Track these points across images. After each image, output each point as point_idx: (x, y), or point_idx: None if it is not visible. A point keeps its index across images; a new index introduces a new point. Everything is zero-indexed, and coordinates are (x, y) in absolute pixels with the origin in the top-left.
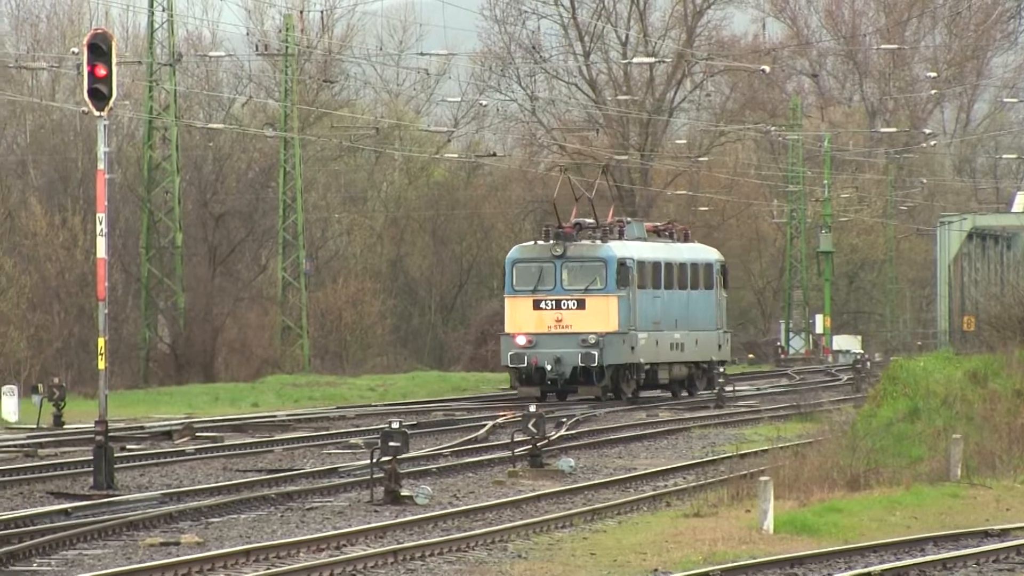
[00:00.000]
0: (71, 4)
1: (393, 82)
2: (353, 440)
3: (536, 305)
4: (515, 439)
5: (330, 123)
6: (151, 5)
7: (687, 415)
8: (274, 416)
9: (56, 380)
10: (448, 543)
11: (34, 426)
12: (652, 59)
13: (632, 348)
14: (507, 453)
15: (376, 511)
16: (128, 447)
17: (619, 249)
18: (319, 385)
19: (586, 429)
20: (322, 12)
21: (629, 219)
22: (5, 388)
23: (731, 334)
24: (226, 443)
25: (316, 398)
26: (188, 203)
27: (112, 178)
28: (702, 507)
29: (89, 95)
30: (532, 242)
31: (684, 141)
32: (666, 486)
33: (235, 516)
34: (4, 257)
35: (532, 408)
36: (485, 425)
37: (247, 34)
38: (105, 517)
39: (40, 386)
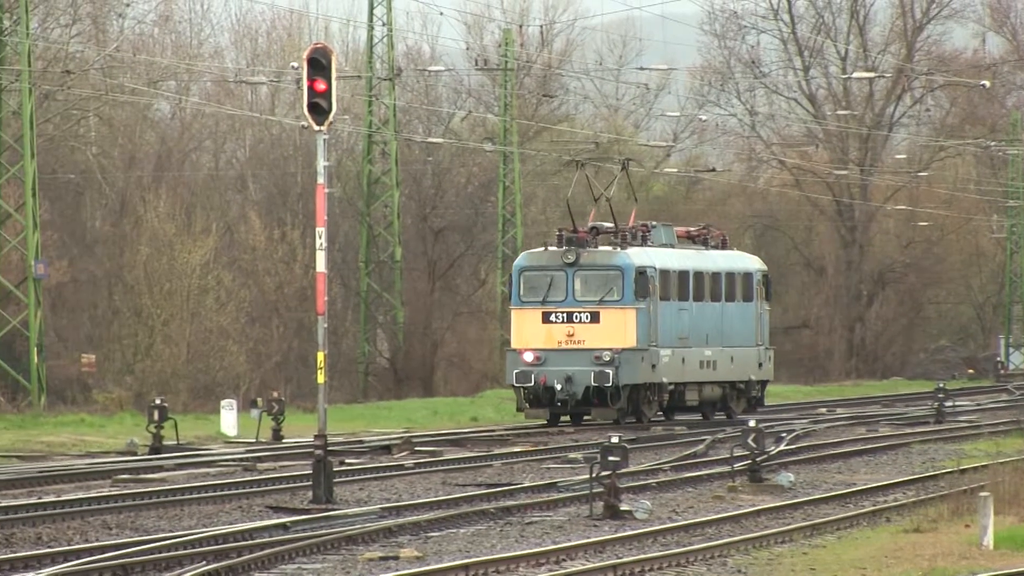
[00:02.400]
0: (291, 19)
1: (612, 96)
2: (572, 455)
3: (545, 318)
4: (734, 454)
5: (549, 137)
6: (371, 20)
7: (907, 430)
8: (492, 431)
9: (275, 394)
10: (667, 558)
11: (253, 440)
12: (872, 74)
13: (653, 366)
14: (726, 468)
15: (595, 526)
16: (347, 461)
17: (638, 256)
18: None
19: (805, 444)
20: (542, 27)
21: (655, 223)
22: (224, 402)
23: (774, 350)
24: (445, 457)
25: None
26: (407, 217)
27: (331, 192)
28: (922, 523)
29: (309, 110)
30: (542, 248)
31: (904, 156)
32: (886, 501)
33: (454, 530)
34: (223, 271)
35: (751, 423)
36: (704, 440)
37: (467, 48)
38: (324, 531)
39: (259, 400)
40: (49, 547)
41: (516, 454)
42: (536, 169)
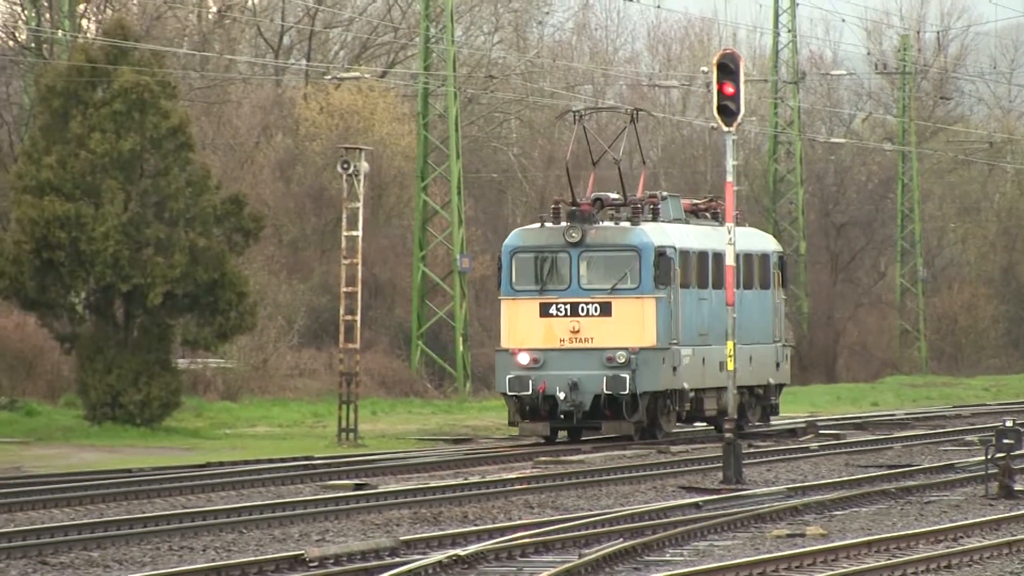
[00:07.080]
0: (701, 27)
1: (1005, 98)
2: (968, 438)
3: (544, 310)
4: None
5: (945, 138)
6: (775, 27)
7: None
8: (893, 415)
9: None
10: None
11: None
12: None
13: (674, 369)
14: None
15: (990, 505)
16: (755, 444)
17: (656, 234)
18: (935, 385)
19: None
20: (938, 32)
21: (665, 193)
22: None
23: (790, 348)
24: (848, 440)
25: (932, 398)
26: (811, 213)
27: (739, 190)
28: None
29: (718, 111)
30: (538, 224)
31: None
32: None
33: (856, 509)
34: None
35: None
36: None
37: (867, 53)
38: (734, 510)
39: None
40: (475, 525)
41: (915, 437)
42: (933, 167)
